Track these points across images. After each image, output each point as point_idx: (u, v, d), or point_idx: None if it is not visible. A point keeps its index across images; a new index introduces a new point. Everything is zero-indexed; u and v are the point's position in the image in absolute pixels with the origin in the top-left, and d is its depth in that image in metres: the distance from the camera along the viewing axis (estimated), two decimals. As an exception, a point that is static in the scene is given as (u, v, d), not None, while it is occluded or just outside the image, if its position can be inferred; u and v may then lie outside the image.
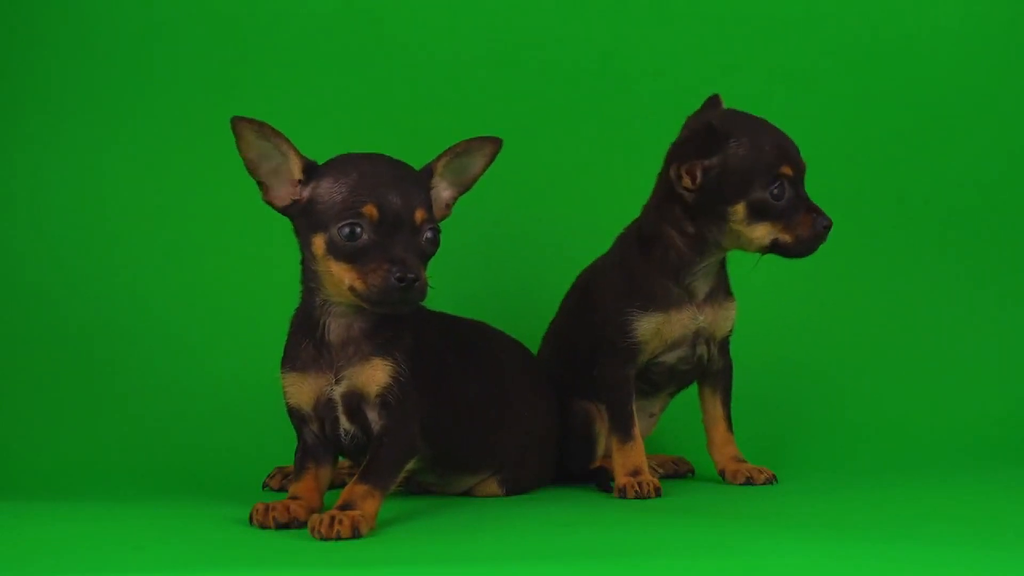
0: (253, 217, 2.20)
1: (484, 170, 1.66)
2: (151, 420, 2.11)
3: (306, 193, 1.58)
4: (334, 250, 1.54)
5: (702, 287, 1.83)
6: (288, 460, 1.71)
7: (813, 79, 2.34)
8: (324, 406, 1.61)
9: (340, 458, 1.69)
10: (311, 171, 1.58)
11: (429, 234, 1.56)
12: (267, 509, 1.54)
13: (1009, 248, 2.34)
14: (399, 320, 1.60)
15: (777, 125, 1.82)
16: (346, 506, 1.49)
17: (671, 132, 1.83)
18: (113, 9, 2.23)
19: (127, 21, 2.23)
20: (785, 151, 1.78)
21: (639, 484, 1.75)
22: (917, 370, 2.27)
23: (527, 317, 2.08)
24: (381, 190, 1.54)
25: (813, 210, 1.78)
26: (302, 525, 1.52)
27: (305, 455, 1.64)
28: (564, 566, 1.31)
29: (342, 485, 1.77)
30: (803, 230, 1.78)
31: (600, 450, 1.93)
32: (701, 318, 1.84)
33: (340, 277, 1.55)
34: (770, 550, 1.37)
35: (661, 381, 1.90)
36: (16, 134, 2.21)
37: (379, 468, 1.55)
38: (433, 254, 1.58)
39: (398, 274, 1.51)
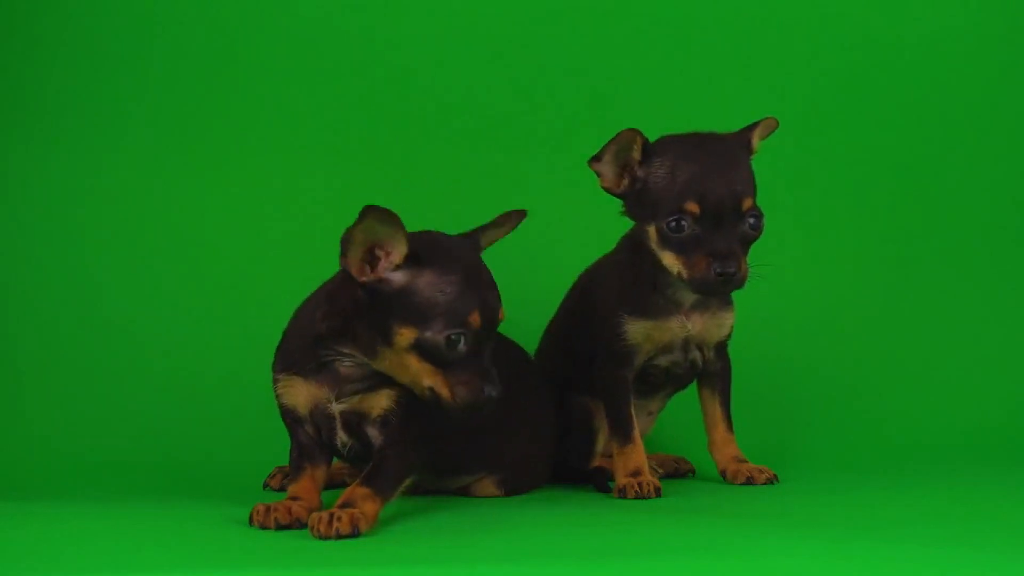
0: (253, 217, 2.21)
1: (503, 236, 1.66)
2: (151, 420, 2.11)
3: (400, 278, 1.52)
4: (425, 351, 1.51)
5: (686, 296, 1.82)
6: (288, 460, 1.71)
7: (815, 82, 2.34)
8: (321, 416, 1.60)
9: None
10: (412, 259, 1.52)
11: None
12: (268, 510, 1.53)
13: (1010, 249, 2.34)
14: None
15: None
16: (346, 505, 1.48)
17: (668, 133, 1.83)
18: (108, 15, 2.23)
19: (122, 26, 2.24)
20: (699, 186, 1.71)
21: (639, 484, 1.75)
22: (918, 371, 2.27)
23: (523, 318, 2.08)
24: (483, 295, 1.54)
25: (716, 254, 1.70)
26: (303, 526, 1.52)
27: (301, 455, 1.63)
28: (564, 566, 1.31)
29: (340, 485, 1.77)
30: (696, 271, 1.72)
31: (599, 446, 1.93)
32: (689, 326, 1.83)
33: (419, 375, 1.53)
34: (770, 550, 1.37)
35: (658, 382, 1.90)
36: (11, 136, 2.20)
37: (382, 477, 1.54)
38: None
39: (488, 392, 1.52)
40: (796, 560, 1.31)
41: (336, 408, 1.59)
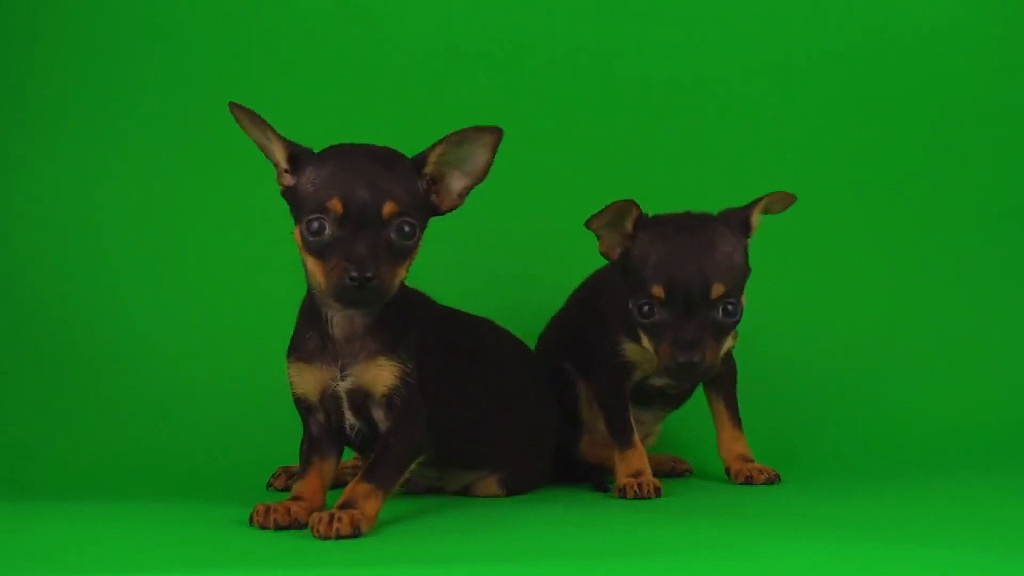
0: (256, 216, 2.21)
1: (490, 160, 1.61)
2: (153, 420, 2.11)
3: (293, 181, 1.58)
4: (306, 244, 1.54)
5: None
6: (291, 460, 1.71)
7: (815, 79, 2.34)
8: (329, 398, 1.61)
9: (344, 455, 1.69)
10: (297, 159, 1.58)
11: (404, 228, 1.53)
12: (268, 511, 1.53)
13: (1011, 248, 2.34)
14: (403, 316, 1.60)
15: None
16: (347, 505, 1.49)
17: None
18: (108, 16, 2.24)
19: (122, 26, 2.24)
20: (667, 271, 1.68)
21: (639, 484, 1.75)
22: (919, 371, 2.27)
23: (525, 316, 2.08)
24: (349, 183, 1.52)
25: (679, 344, 1.66)
26: (303, 527, 1.52)
27: (311, 447, 1.63)
28: (564, 566, 1.31)
29: (343, 484, 1.77)
30: (663, 359, 1.70)
31: (584, 439, 1.93)
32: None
33: (312, 272, 1.55)
34: (770, 550, 1.37)
35: (650, 399, 1.90)
36: (11, 136, 2.20)
37: (383, 468, 1.54)
38: (408, 249, 1.54)
39: (353, 273, 1.49)
40: (796, 560, 1.31)
41: (342, 387, 1.59)
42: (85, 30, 2.22)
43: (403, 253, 1.54)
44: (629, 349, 1.83)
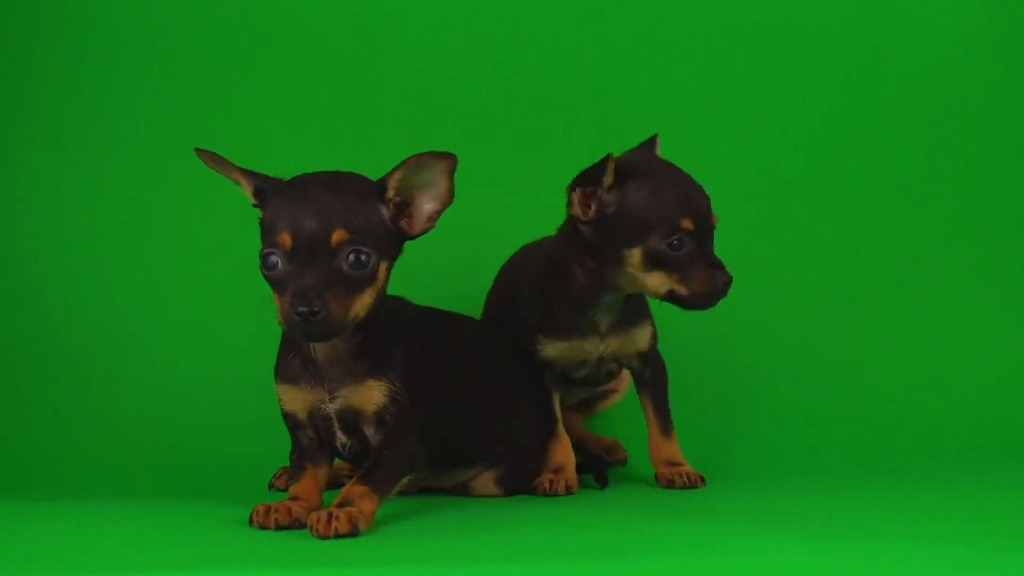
0: (255, 216, 2.21)
1: (450, 186, 1.56)
2: (153, 420, 2.11)
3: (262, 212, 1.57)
4: (265, 278, 1.52)
5: (605, 320, 1.82)
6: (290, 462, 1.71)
7: (811, 78, 2.34)
8: (319, 418, 1.61)
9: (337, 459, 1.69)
10: (262, 192, 1.56)
11: (351, 256, 1.50)
12: (268, 511, 1.54)
13: (1008, 247, 2.34)
14: (387, 334, 1.59)
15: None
16: (344, 504, 1.49)
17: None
18: (108, 17, 2.24)
19: (122, 27, 2.24)
20: (690, 204, 1.73)
21: (550, 482, 1.79)
22: (917, 369, 2.27)
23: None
24: (297, 215, 1.50)
25: (714, 265, 1.72)
26: (303, 526, 1.52)
27: (302, 457, 1.63)
28: (564, 566, 1.31)
29: (340, 485, 1.78)
30: (699, 285, 1.72)
31: None
32: (602, 347, 1.83)
33: (275, 303, 1.53)
34: (769, 550, 1.37)
35: (572, 384, 1.91)
36: (12, 139, 2.21)
37: (378, 473, 1.55)
38: (363, 278, 1.51)
39: (300, 308, 1.46)
40: (795, 559, 1.32)
41: (331, 408, 1.59)
42: (85, 30, 2.22)
43: (357, 283, 1.51)
44: (546, 348, 1.84)
